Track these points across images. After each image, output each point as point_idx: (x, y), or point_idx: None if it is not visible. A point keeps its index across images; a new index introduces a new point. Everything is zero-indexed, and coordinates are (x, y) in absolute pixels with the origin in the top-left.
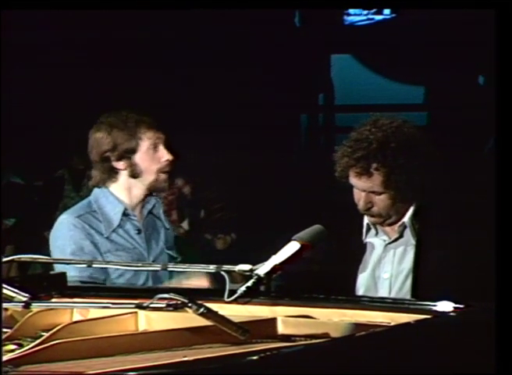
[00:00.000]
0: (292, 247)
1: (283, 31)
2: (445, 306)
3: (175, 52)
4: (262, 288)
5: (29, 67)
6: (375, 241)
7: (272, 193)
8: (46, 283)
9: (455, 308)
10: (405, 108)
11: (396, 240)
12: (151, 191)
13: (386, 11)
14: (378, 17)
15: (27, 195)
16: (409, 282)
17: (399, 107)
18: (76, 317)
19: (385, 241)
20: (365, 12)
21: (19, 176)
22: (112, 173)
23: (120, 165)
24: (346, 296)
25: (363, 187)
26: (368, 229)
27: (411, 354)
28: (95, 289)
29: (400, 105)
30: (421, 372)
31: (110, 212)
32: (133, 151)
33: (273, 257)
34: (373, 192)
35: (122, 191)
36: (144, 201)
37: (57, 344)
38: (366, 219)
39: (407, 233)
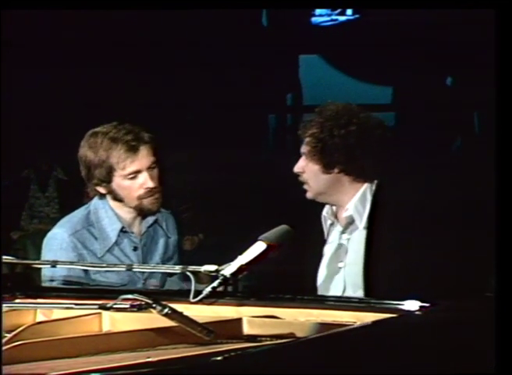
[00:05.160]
0: (258, 247)
1: (251, 31)
2: (411, 305)
3: (141, 53)
4: (230, 289)
5: None
6: (332, 231)
7: (239, 193)
8: (10, 284)
9: (421, 306)
10: (372, 109)
11: (346, 228)
12: (140, 214)
13: (349, 12)
14: (342, 18)
15: None
16: (362, 273)
17: (366, 107)
18: (40, 318)
19: (339, 231)
20: (329, 12)
21: None
22: (99, 193)
23: (101, 189)
24: (312, 296)
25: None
26: (325, 220)
27: (376, 353)
28: (59, 290)
29: (367, 105)
30: (385, 371)
31: (107, 227)
32: (108, 181)
33: (239, 257)
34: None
35: (118, 207)
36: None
37: (20, 345)
38: (324, 211)
39: (355, 224)
